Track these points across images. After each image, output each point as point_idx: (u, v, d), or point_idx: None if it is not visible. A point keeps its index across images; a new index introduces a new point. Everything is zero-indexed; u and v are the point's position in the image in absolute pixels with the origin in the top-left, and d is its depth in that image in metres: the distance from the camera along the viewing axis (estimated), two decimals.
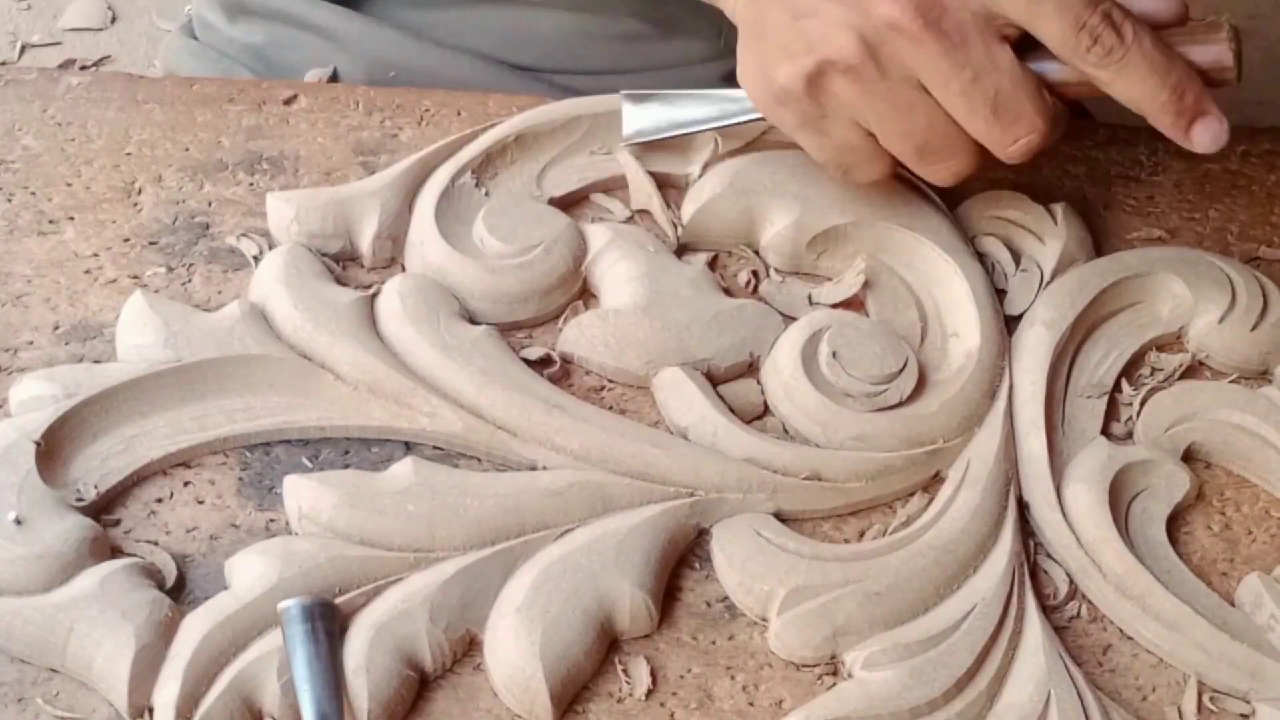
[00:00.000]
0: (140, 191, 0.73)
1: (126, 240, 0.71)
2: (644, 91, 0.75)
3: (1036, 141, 0.65)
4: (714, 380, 0.68)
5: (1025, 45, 0.64)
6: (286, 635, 0.55)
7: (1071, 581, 0.63)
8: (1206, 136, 0.65)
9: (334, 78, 0.88)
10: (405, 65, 0.88)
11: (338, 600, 0.57)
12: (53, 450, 0.60)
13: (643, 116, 0.75)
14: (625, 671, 0.59)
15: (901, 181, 0.75)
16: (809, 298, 0.72)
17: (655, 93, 0.75)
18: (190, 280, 0.70)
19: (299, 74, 0.89)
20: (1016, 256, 0.74)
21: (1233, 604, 0.63)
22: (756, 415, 0.67)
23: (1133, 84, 0.64)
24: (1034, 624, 0.61)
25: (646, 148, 0.75)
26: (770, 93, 0.68)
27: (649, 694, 0.58)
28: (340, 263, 0.71)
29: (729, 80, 0.75)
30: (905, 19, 0.63)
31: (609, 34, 0.89)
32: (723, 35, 0.89)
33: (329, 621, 0.56)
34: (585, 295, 0.71)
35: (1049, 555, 0.64)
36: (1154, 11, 0.65)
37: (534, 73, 0.89)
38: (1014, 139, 0.65)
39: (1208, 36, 0.66)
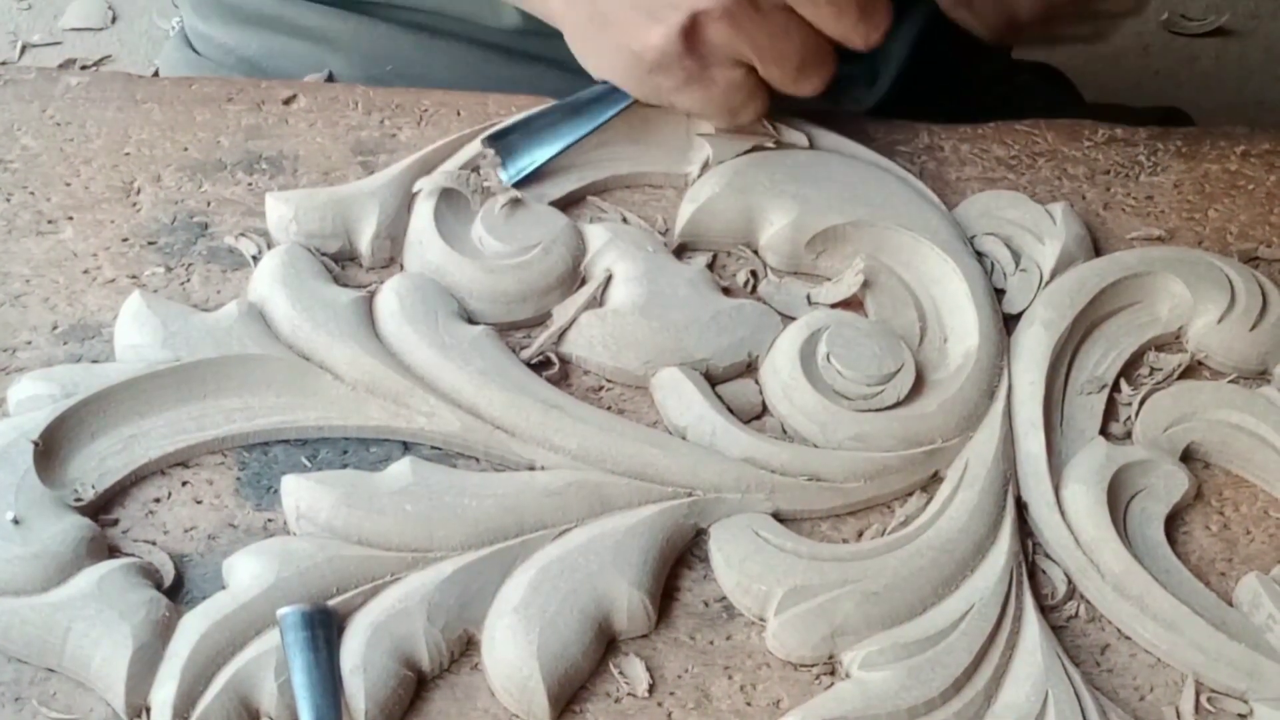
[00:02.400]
0: (139, 191, 0.73)
1: (125, 240, 0.71)
2: (499, 130, 0.74)
3: (886, 25, 0.69)
4: (712, 380, 0.68)
5: None
6: (285, 642, 0.55)
7: (1070, 581, 0.63)
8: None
9: (329, 81, 0.88)
10: (402, 58, 0.87)
11: (335, 600, 0.58)
12: (51, 450, 0.60)
13: (515, 158, 0.74)
14: (622, 674, 0.59)
15: (901, 181, 0.75)
16: (808, 298, 0.72)
17: (511, 125, 0.74)
18: (189, 280, 0.70)
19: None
20: (1016, 256, 0.74)
21: (1231, 604, 0.63)
22: (755, 415, 0.67)
23: None
24: (1032, 624, 0.61)
25: (640, 146, 0.75)
26: (643, 66, 0.69)
27: (651, 689, 0.58)
28: (339, 262, 0.71)
29: None
30: None
31: None
32: None
33: (328, 629, 0.56)
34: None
35: (1047, 555, 0.64)
36: None
37: (543, 60, 0.88)
38: (877, 29, 0.68)
39: None
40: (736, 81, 0.70)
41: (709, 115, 0.72)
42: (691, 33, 0.67)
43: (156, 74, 1.00)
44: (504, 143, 0.74)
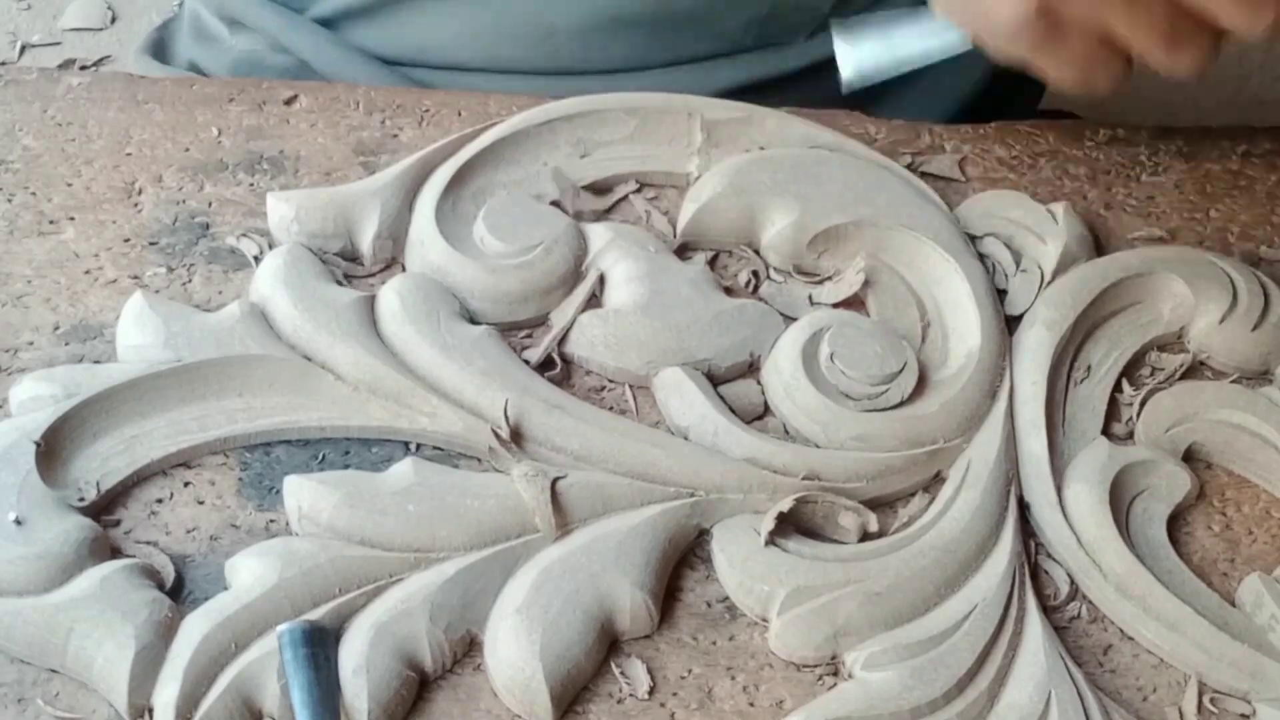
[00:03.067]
0: (140, 192, 0.73)
1: (127, 240, 0.71)
2: (854, 21, 0.71)
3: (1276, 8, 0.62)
4: (714, 380, 0.68)
5: None
6: (284, 659, 0.55)
7: (1072, 582, 0.63)
8: None
9: None
10: None
11: (338, 600, 0.57)
12: (53, 451, 0.60)
13: (860, 56, 0.70)
14: (623, 674, 0.59)
15: (903, 181, 0.75)
16: (809, 298, 0.72)
17: (866, 22, 0.71)
18: (190, 280, 0.70)
19: None
20: (1017, 256, 0.74)
21: (1233, 604, 0.63)
22: (757, 415, 0.67)
23: None
24: (1035, 624, 0.61)
25: (641, 146, 0.75)
26: (998, 29, 0.66)
27: (651, 692, 0.58)
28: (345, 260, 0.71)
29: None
30: None
31: (624, 24, 0.88)
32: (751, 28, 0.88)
33: (326, 646, 0.56)
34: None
35: (1050, 555, 0.64)
36: None
37: (527, 75, 0.89)
38: (1265, 10, 0.62)
39: None
40: (1092, 51, 0.66)
41: (1064, 82, 0.69)
42: (1046, 2, 0.64)
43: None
44: (852, 43, 0.70)
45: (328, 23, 0.91)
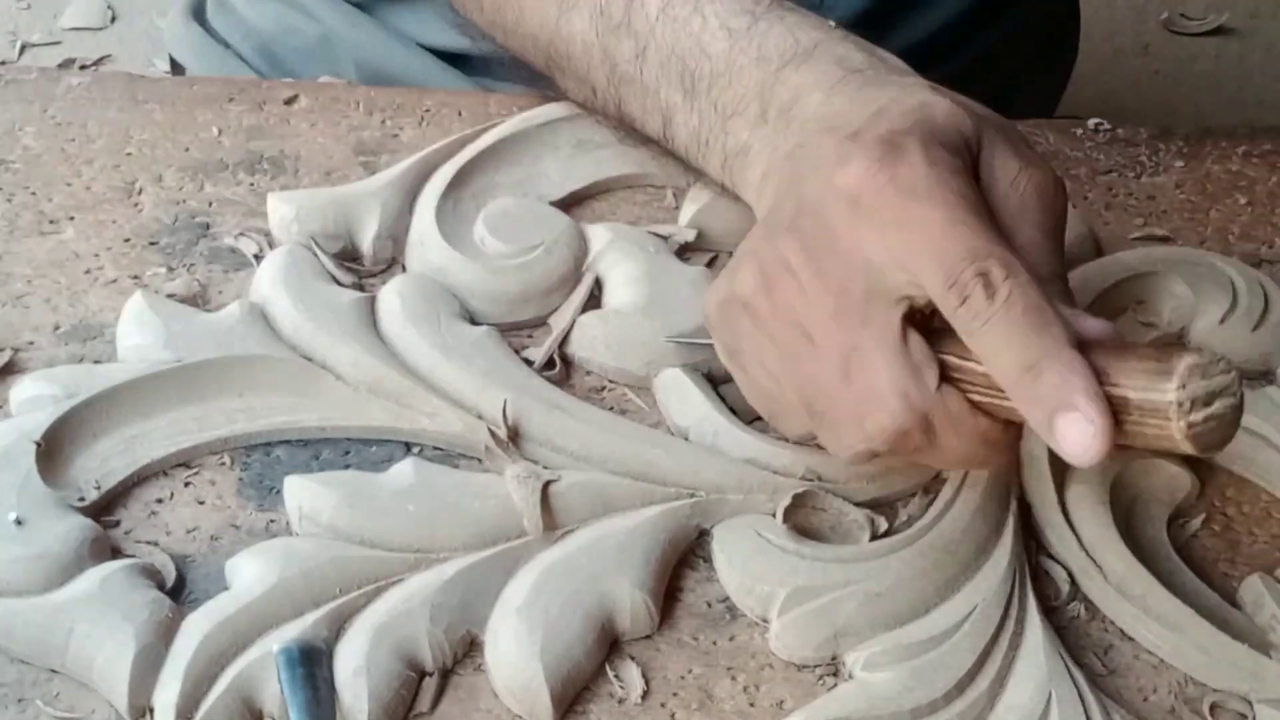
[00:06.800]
0: (141, 191, 0.73)
1: (127, 240, 0.71)
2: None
3: (888, 426, 0.55)
4: (714, 381, 0.68)
5: None
6: (281, 680, 0.55)
7: (1072, 582, 0.63)
8: (1071, 435, 0.51)
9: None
10: (406, 76, 0.87)
11: (338, 601, 0.57)
12: (53, 451, 0.60)
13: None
14: (617, 677, 0.59)
15: None
16: None
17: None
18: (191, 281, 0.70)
19: (299, 73, 0.89)
20: None
21: (1234, 604, 0.63)
22: (757, 415, 0.67)
23: (989, 353, 0.52)
24: (1035, 625, 0.61)
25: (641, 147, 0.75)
26: (705, 315, 0.63)
27: (645, 696, 0.58)
28: (347, 261, 0.71)
29: None
30: (796, 259, 0.57)
31: None
32: None
33: (323, 667, 0.56)
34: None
35: (1050, 556, 0.64)
36: (1087, 330, 0.54)
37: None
38: (864, 422, 0.56)
39: (1160, 367, 0.51)
40: (763, 384, 0.62)
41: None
42: (725, 308, 0.61)
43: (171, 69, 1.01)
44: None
45: (360, 6, 0.91)
